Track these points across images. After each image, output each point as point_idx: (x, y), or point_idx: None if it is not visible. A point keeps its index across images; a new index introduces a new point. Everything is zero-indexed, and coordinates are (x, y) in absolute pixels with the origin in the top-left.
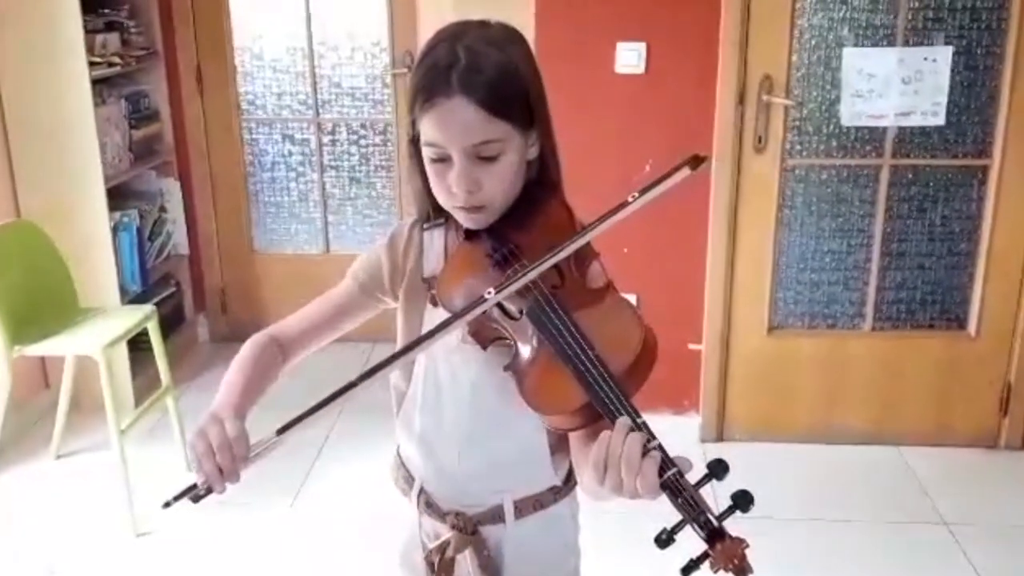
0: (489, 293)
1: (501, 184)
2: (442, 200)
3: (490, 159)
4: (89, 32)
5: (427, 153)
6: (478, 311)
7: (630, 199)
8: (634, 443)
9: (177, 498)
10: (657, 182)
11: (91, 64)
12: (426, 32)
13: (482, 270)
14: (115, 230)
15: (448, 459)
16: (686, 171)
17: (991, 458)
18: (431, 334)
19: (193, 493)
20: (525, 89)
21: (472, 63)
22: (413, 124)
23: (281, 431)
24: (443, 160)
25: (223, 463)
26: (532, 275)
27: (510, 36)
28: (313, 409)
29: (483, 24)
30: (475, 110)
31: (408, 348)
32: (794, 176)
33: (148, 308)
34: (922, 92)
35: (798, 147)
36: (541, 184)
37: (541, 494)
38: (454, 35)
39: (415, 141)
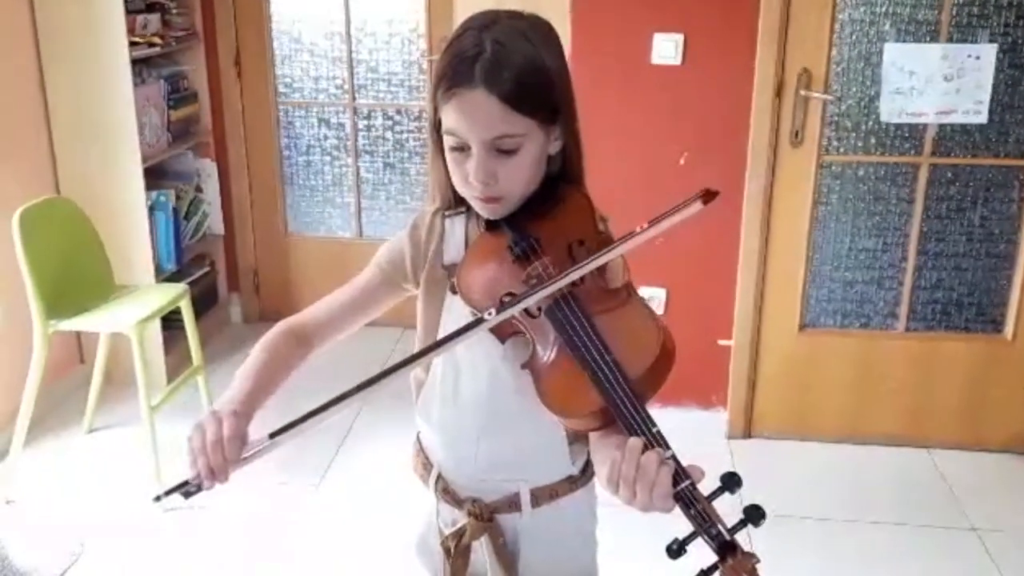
0: (507, 298)
1: (518, 177)
2: (460, 188)
3: (509, 152)
4: (130, 12)
5: (447, 140)
6: (501, 318)
7: (638, 229)
8: (650, 458)
9: (168, 492)
10: (668, 214)
11: (131, 44)
12: (463, 19)
13: (502, 261)
14: (151, 209)
15: (466, 448)
16: (698, 205)
17: None
18: (453, 336)
19: (184, 489)
20: (550, 84)
21: (497, 56)
22: (435, 110)
23: (274, 435)
24: (462, 149)
25: (213, 462)
26: (557, 286)
27: (540, 29)
28: (308, 416)
29: (513, 15)
30: (497, 103)
31: (428, 350)
32: (830, 172)
33: (181, 287)
34: (964, 90)
35: (835, 143)
36: (563, 177)
37: (558, 483)
38: (483, 24)
39: (437, 127)
